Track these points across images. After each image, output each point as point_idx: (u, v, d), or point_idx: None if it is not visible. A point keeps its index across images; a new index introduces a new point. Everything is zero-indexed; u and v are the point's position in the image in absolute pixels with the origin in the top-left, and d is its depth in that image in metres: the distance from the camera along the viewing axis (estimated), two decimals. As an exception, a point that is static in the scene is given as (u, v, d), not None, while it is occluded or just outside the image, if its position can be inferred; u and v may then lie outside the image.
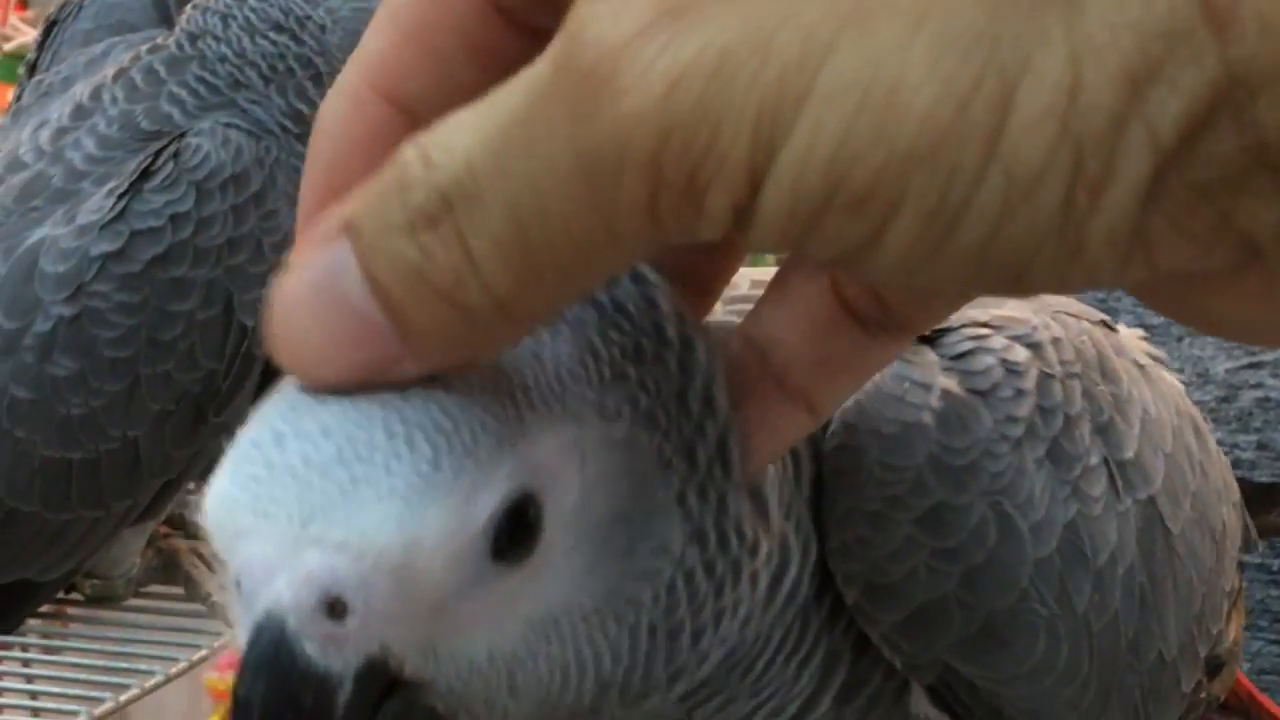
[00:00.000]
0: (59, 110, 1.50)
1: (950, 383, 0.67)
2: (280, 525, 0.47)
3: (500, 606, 0.51)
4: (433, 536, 0.47)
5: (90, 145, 1.46)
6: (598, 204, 0.42)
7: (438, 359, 0.47)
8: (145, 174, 1.42)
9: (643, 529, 0.54)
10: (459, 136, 0.43)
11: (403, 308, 0.45)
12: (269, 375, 1.52)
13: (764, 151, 0.40)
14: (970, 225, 0.40)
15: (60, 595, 1.57)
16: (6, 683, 1.49)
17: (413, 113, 0.49)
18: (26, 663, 1.52)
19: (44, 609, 1.55)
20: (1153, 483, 0.74)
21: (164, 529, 1.61)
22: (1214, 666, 0.86)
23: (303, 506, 0.47)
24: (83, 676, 1.47)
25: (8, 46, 3.03)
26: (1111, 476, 0.72)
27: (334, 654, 0.48)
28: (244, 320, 1.44)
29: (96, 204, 1.42)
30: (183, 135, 1.44)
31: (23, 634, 1.54)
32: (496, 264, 0.43)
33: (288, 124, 1.47)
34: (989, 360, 0.69)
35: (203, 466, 1.51)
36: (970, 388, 0.68)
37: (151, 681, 1.45)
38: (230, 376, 1.45)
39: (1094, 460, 0.71)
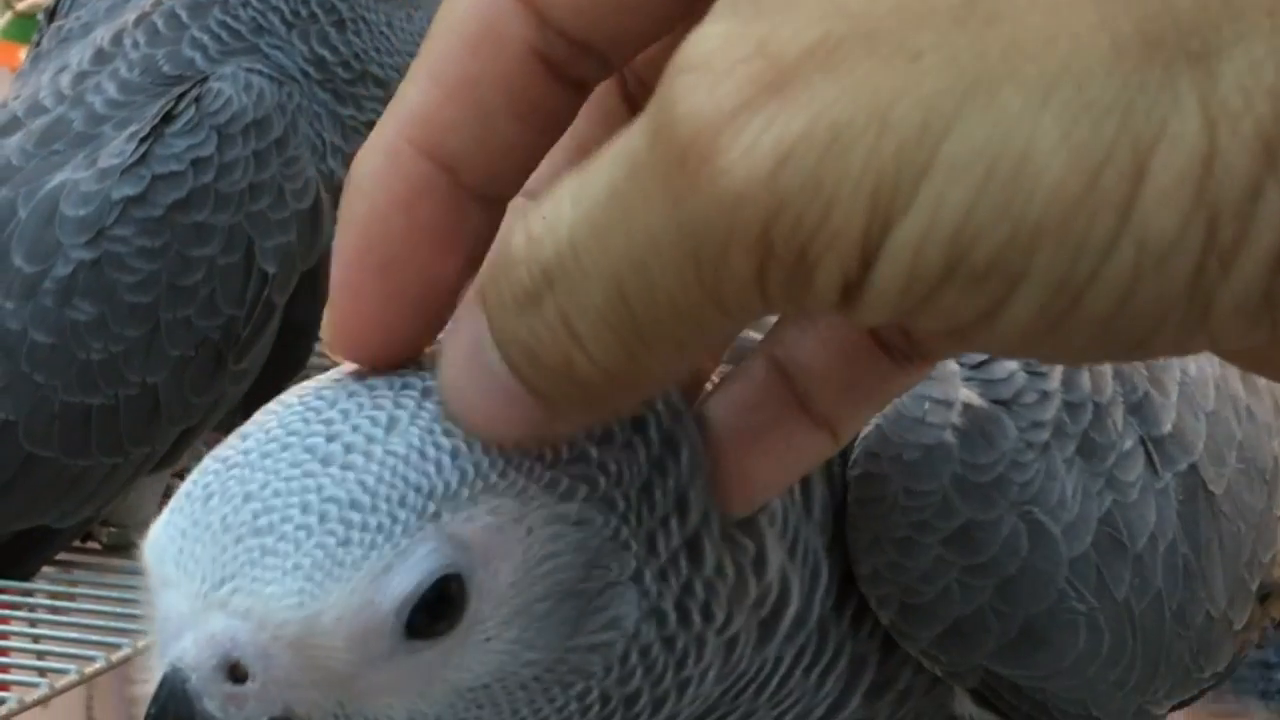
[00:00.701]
0: (79, 55, 1.49)
1: (972, 395, 0.66)
2: (194, 584, 0.49)
3: (421, 676, 0.51)
4: (333, 613, 0.48)
5: (111, 89, 1.45)
6: (703, 279, 0.41)
7: (576, 421, 0.48)
8: (167, 118, 1.41)
9: (592, 604, 0.54)
10: (560, 211, 0.42)
11: (528, 380, 0.45)
12: (288, 324, 1.52)
13: (879, 226, 0.39)
14: (1096, 297, 0.39)
15: (77, 544, 1.56)
16: (14, 627, 1.48)
17: (453, 169, 0.48)
18: (32, 608, 1.51)
19: (60, 557, 1.55)
20: (1193, 451, 0.73)
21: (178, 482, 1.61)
22: (1267, 592, 0.85)
23: (215, 569, 0.49)
24: (98, 623, 1.46)
25: (19, 6, 3.02)
26: (1149, 455, 0.71)
27: (234, 712, 0.50)
28: (264, 267, 1.43)
29: (118, 148, 1.41)
30: (204, 80, 1.43)
31: (31, 586, 1.53)
32: (602, 340, 0.43)
33: (310, 70, 1.47)
34: (1011, 365, 0.68)
35: (221, 414, 1.51)
36: (993, 398, 0.67)
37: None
38: (250, 323, 1.44)
39: (1128, 444, 0.70)
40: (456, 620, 0.51)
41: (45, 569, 1.54)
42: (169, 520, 0.50)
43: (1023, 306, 0.39)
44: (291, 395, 0.52)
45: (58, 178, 1.41)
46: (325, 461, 0.49)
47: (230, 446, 0.51)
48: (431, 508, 0.49)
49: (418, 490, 0.49)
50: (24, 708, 1.33)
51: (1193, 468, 0.73)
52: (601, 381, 0.44)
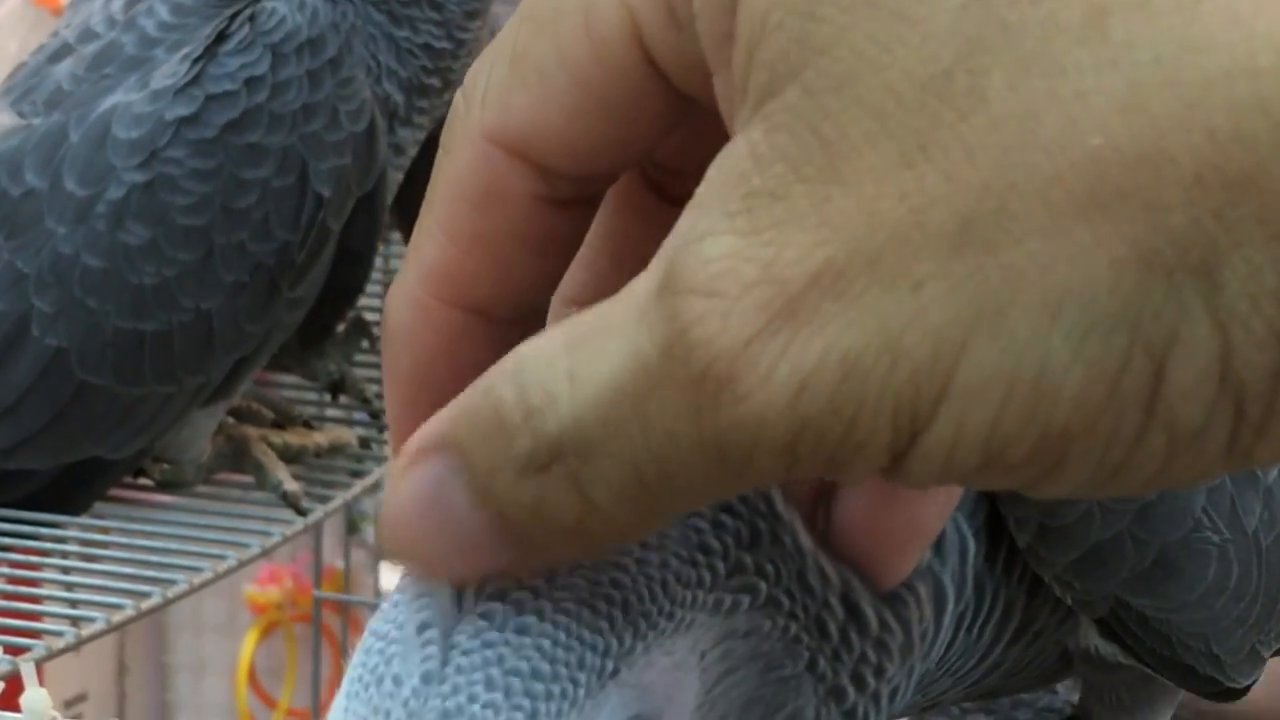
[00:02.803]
0: (130, -20, 1.47)
1: None
2: None
3: None
4: None
5: (164, 12, 1.43)
6: (728, 470, 0.42)
7: (553, 565, 0.47)
8: (220, 38, 1.40)
9: (772, 703, 0.53)
10: (557, 386, 0.42)
11: (524, 534, 0.44)
12: (343, 252, 1.50)
13: (905, 438, 0.40)
14: (1136, 469, 0.40)
15: (128, 480, 1.55)
16: (45, 574, 1.46)
17: (484, 310, 0.48)
18: (65, 555, 1.49)
19: (112, 493, 1.53)
20: None
21: (232, 420, 1.59)
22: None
23: None
24: (127, 570, 1.43)
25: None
26: None
27: None
28: (319, 190, 1.41)
29: (171, 69, 1.40)
30: (258, 0, 1.41)
31: (63, 534, 1.51)
32: (618, 508, 0.43)
33: (364, -10, 1.45)
34: None
35: (277, 345, 1.49)
36: None
37: (200, 578, 1.42)
38: (305, 248, 1.42)
39: None
40: None
41: (100, 506, 1.52)
42: (346, 707, 0.49)
43: (1066, 480, 0.41)
44: None
45: (109, 101, 1.40)
46: (503, 630, 0.48)
47: (392, 615, 0.50)
48: (610, 666, 0.49)
49: (594, 649, 0.48)
50: (51, 655, 1.31)
51: None
52: (609, 537, 0.45)
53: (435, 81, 1.50)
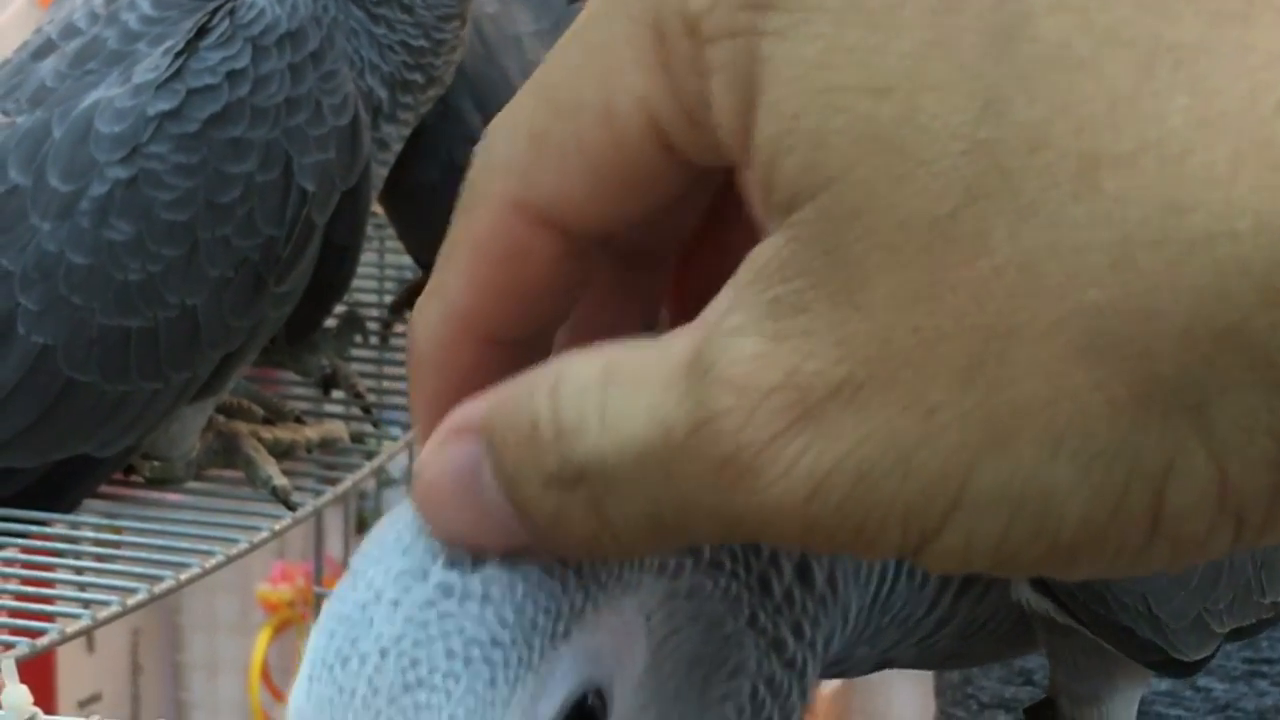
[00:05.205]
0: (113, -25, 1.47)
1: None
2: None
3: None
4: None
5: (145, 6, 1.43)
6: (743, 537, 0.45)
7: (566, 558, 0.50)
8: (201, 32, 1.39)
9: (715, 660, 0.54)
10: (589, 418, 0.45)
11: (538, 534, 0.47)
12: (329, 247, 1.50)
13: (915, 540, 0.43)
14: (1144, 567, 0.43)
15: (119, 478, 1.54)
16: (59, 559, 1.46)
17: (514, 343, 0.50)
18: (77, 541, 1.49)
19: (103, 491, 1.53)
20: None
21: (222, 416, 1.59)
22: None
23: None
24: (142, 555, 1.44)
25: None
26: None
27: None
28: (304, 185, 1.41)
29: (152, 64, 1.39)
30: (239, -6, 1.41)
31: (76, 532, 1.51)
32: (633, 535, 0.46)
33: (342, -16, 1.44)
34: None
35: (263, 341, 1.49)
36: None
37: (212, 562, 1.41)
38: (290, 243, 1.42)
39: None
40: None
41: (90, 503, 1.51)
42: (309, 690, 0.50)
43: (1082, 574, 0.44)
44: (390, 529, 0.52)
45: (92, 96, 1.40)
46: (462, 599, 0.49)
47: (348, 595, 0.51)
48: (563, 627, 0.50)
49: (547, 612, 0.50)
50: (65, 638, 1.31)
51: None
52: (624, 553, 0.49)
53: (418, 77, 1.49)
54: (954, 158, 0.41)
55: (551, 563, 0.50)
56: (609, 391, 0.45)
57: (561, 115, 0.46)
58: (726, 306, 0.43)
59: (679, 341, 0.44)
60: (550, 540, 0.47)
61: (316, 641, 0.51)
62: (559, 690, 0.50)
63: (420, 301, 0.51)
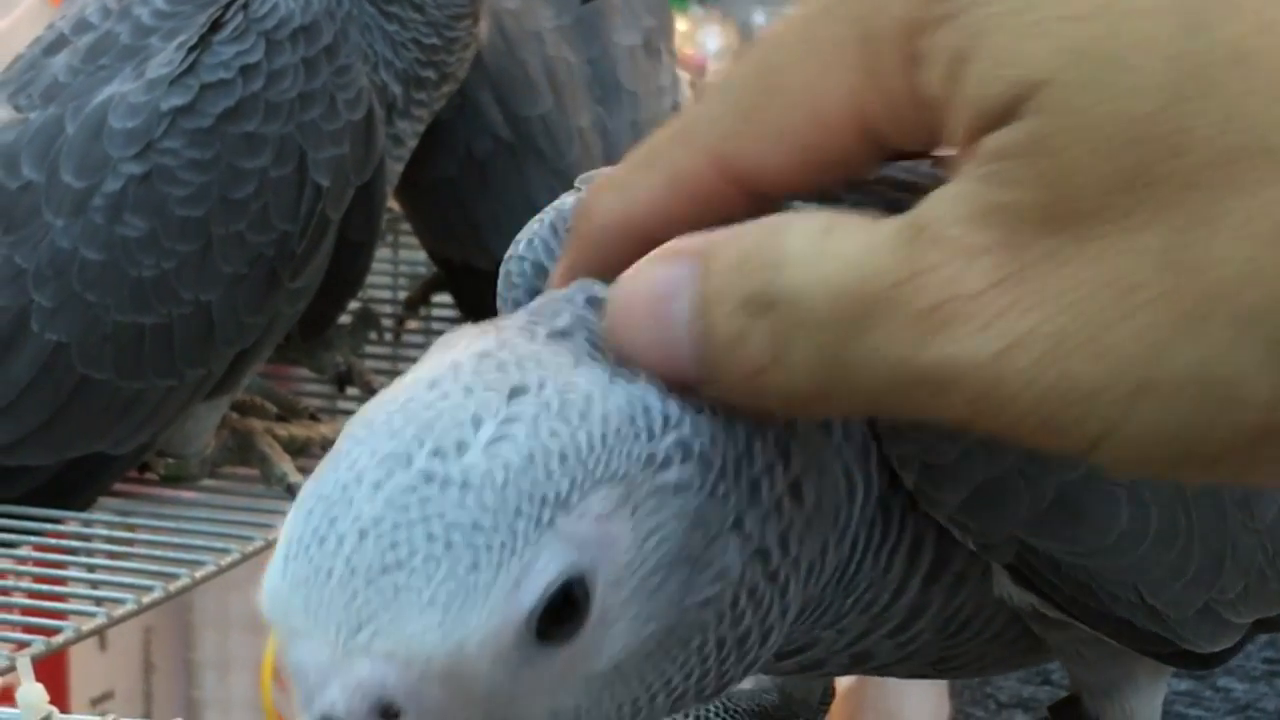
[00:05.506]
0: (125, -30, 1.46)
1: None
2: (330, 632, 0.49)
3: (557, 674, 0.51)
4: (476, 639, 0.49)
5: (158, 1, 1.42)
6: (902, 404, 0.49)
7: (727, 401, 0.53)
8: (215, 26, 1.38)
9: (699, 561, 0.54)
10: (797, 255, 0.49)
11: (709, 361, 0.50)
12: (343, 243, 1.48)
13: (1095, 431, 0.46)
14: None
15: (134, 475, 1.53)
16: (73, 558, 1.46)
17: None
18: (89, 540, 1.48)
19: (118, 488, 1.52)
20: None
21: (236, 414, 1.58)
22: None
23: (350, 615, 0.48)
24: (156, 553, 1.43)
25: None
26: None
27: None
28: (318, 180, 1.40)
29: (166, 58, 1.38)
30: (252, -13, 1.40)
31: (89, 531, 1.50)
32: (796, 378, 0.49)
33: (354, -20, 1.43)
34: None
35: (278, 337, 1.48)
36: None
37: (228, 559, 1.41)
38: (304, 239, 1.41)
39: None
40: (584, 619, 0.51)
41: (104, 501, 1.51)
42: (285, 569, 0.49)
43: (1260, 475, 0.47)
44: (381, 409, 0.51)
45: (106, 91, 1.39)
46: (444, 485, 0.49)
47: (329, 475, 0.50)
48: (547, 514, 0.50)
49: (531, 499, 0.49)
50: (80, 637, 1.30)
51: None
52: (776, 398, 0.51)
53: (431, 74, 1.48)
54: (1158, 64, 0.45)
55: (543, 448, 0.50)
56: (827, 237, 0.48)
57: (774, 99, 0.52)
58: (945, 191, 0.47)
59: (897, 217, 0.48)
60: (718, 367, 0.50)
61: (294, 519, 0.50)
62: (542, 577, 0.49)
63: (600, 185, 0.56)
